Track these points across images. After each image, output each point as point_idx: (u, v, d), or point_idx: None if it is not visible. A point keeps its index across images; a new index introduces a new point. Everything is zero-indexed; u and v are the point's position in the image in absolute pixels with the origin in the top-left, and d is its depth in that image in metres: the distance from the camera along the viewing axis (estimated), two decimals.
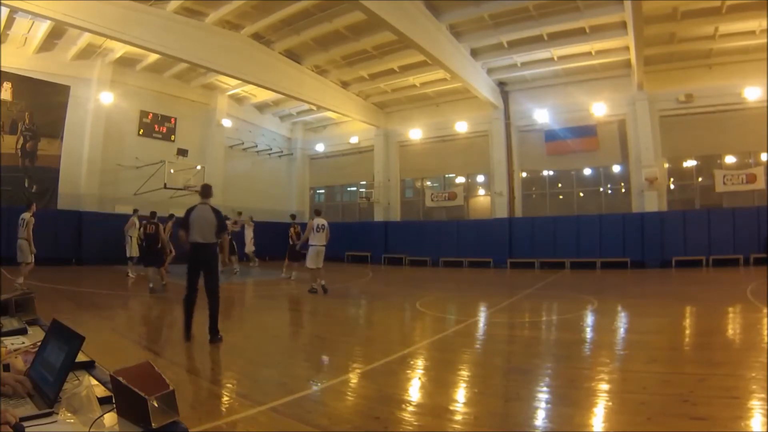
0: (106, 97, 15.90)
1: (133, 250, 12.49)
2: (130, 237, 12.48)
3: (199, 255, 5.31)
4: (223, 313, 8.03)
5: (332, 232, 9.69)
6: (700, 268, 13.87)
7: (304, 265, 9.81)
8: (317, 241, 9.30)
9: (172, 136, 18.29)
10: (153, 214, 10.41)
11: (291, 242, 12.35)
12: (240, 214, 14.73)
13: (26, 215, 8.83)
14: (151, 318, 7.29)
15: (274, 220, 18.83)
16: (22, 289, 8.11)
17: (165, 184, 16.15)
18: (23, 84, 14.30)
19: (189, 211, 5.44)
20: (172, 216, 12.21)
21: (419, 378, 3.96)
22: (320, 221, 9.48)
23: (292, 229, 12.68)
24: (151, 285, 9.27)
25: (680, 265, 14.28)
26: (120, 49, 14.91)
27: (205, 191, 5.66)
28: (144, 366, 1.11)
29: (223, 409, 3.16)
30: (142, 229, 10.81)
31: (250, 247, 14.90)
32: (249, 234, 14.86)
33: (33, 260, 8.95)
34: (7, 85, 14.03)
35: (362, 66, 16.71)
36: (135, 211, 12.92)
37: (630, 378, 3.76)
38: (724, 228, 14.05)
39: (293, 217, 14.01)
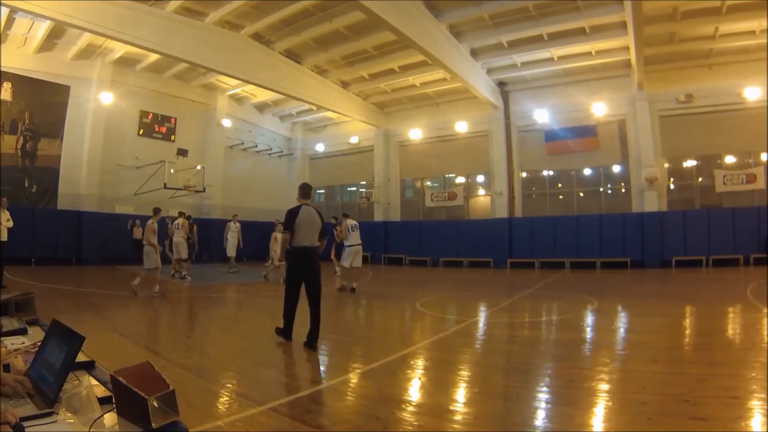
0: (106, 97, 15.91)
1: (183, 251, 11.80)
2: (184, 239, 11.83)
3: (307, 259, 4.96)
4: (227, 313, 8.05)
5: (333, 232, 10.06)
6: (700, 268, 13.86)
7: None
8: (353, 241, 9.95)
9: (172, 136, 18.30)
10: (189, 216, 11.99)
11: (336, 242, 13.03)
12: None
13: (150, 221, 8.91)
14: (152, 318, 7.29)
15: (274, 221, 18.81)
16: (134, 291, 8.43)
17: (165, 184, 16.17)
18: (23, 84, 14.31)
19: (294, 213, 4.93)
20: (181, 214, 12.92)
21: (419, 378, 3.95)
22: (352, 222, 10.25)
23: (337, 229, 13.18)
24: (184, 273, 11.46)
25: (680, 265, 14.28)
26: (120, 49, 14.92)
27: (306, 191, 5.23)
28: (144, 366, 1.11)
29: (223, 409, 3.16)
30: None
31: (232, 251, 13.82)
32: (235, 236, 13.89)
33: (157, 264, 8.85)
34: (7, 85, 14.04)
35: (362, 66, 16.71)
36: (181, 213, 12.38)
37: (630, 378, 3.76)
38: (724, 228, 14.04)
39: (335, 218, 13.99)
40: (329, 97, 17.92)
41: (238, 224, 13.84)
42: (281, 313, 5.07)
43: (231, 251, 13.66)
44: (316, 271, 5.01)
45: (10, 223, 8.57)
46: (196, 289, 10.74)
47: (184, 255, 11.81)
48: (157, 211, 9.26)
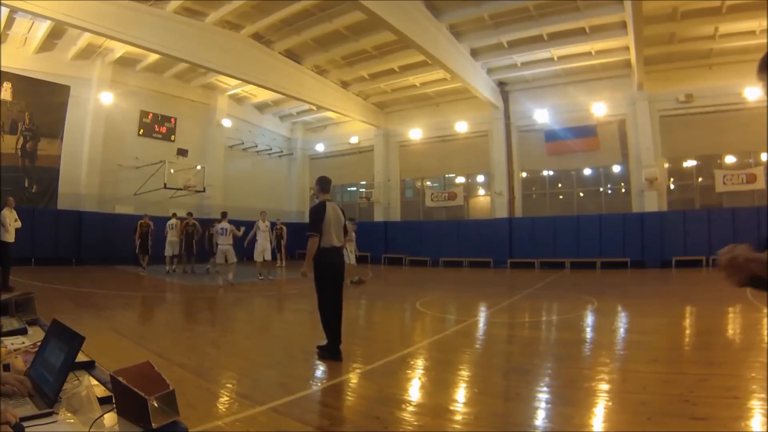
0: (106, 97, 15.90)
1: (175, 248, 13.41)
2: (178, 238, 13.45)
3: (335, 261, 4.56)
4: (231, 313, 8.04)
5: None
6: (700, 268, 13.86)
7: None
8: None
9: (172, 136, 18.29)
10: (190, 214, 13.19)
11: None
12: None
13: (226, 225, 10.68)
14: (152, 318, 7.29)
15: (273, 221, 18.81)
16: (231, 283, 10.06)
17: (165, 184, 16.16)
18: (23, 84, 14.30)
19: (320, 212, 4.49)
20: (175, 215, 13.49)
21: (419, 378, 3.95)
22: None
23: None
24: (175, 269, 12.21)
25: (680, 265, 14.28)
26: (120, 49, 14.91)
27: (327, 186, 4.79)
28: (144, 366, 1.11)
29: (223, 409, 3.16)
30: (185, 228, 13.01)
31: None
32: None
33: (234, 259, 10.70)
34: (7, 85, 14.03)
35: (362, 66, 16.71)
36: (189, 214, 14.05)
37: (630, 378, 3.76)
38: (724, 228, 14.02)
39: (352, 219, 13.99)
40: (329, 97, 17.92)
41: (267, 223, 12.48)
42: (282, 315, 5.04)
43: (259, 255, 12.10)
44: (343, 272, 4.73)
45: (19, 224, 8.59)
46: (198, 289, 10.74)
47: (176, 251, 13.07)
48: (224, 214, 10.96)
